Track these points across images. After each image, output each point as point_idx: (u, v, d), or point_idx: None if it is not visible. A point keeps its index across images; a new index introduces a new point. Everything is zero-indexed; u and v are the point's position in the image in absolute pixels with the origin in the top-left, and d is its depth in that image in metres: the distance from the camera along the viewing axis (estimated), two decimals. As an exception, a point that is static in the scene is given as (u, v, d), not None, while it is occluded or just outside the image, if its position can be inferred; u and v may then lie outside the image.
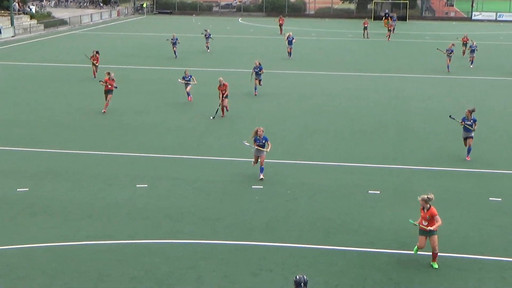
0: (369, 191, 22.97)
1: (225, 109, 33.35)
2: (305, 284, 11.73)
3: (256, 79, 39.10)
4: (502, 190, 23.20)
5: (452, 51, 48.08)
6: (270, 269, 17.16)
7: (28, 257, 17.57)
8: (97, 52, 44.69)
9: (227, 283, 16.40)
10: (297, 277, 11.91)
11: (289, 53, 55.60)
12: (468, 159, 25.75)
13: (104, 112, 33.89)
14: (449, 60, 48.25)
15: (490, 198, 22.27)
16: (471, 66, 49.01)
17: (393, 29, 73.73)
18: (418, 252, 16.93)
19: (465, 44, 55.42)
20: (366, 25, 73.85)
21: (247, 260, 17.58)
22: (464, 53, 55.31)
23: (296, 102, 38.37)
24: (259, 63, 39.20)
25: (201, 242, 18.67)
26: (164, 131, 31.38)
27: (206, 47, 61.90)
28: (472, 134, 25.19)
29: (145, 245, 18.45)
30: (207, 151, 27.66)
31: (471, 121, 24.95)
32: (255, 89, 39.52)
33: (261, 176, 23.35)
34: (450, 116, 27.38)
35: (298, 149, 27.90)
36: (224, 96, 32.59)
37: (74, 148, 27.91)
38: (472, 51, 49.22)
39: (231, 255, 17.96)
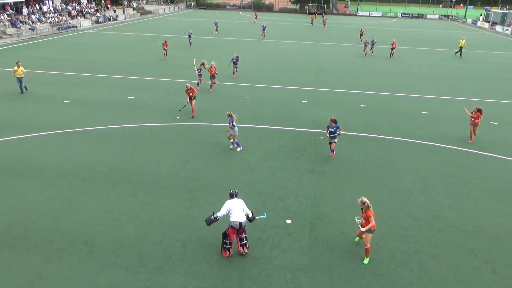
0: (302, 101, 22.95)
1: (194, 109, 19.67)
2: (236, 194, 9.97)
3: (234, 67, 28.02)
4: (367, 101, 23.26)
5: (367, 42, 39.43)
6: (252, 138, 17.37)
7: (132, 131, 17.65)
8: (165, 41, 33.67)
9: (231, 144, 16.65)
10: (231, 190, 10.01)
11: (263, 36, 48.22)
12: (334, 156, 15.68)
13: (211, 91, 24.15)
14: (365, 49, 39.30)
15: (360, 105, 22.37)
16: (372, 54, 39.33)
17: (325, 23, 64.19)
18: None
19: (362, 35, 47.45)
20: (313, 19, 69.32)
21: (240, 134, 17.74)
22: (361, 40, 46.46)
23: (267, 57, 37.51)
24: (237, 56, 28.11)
25: (218, 124, 18.76)
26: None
27: (215, 30, 51.62)
28: (336, 140, 15.41)
29: (192, 126, 18.52)
30: (220, 78, 27.32)
31: (335, 128, 15.03)
32: (233, 73, 28.22)
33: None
34: (314, 139, 16.86)
35: (267, 80, 27.58)
36: (192, 97, 19.16)
37: (154, 76, 27.45)
38: (373, 44, 39.13)
39: (233, 131, 18.11)
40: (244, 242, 10.08)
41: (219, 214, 9.73)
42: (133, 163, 14.61)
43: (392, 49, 38.89)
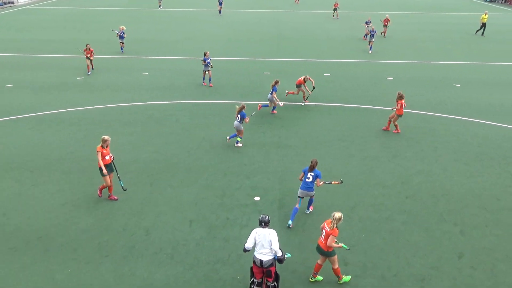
0: (264, 72, 22.72)
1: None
2: (265, 223, 7.89)
3: (206, 70, 20.08)
4: (331, 70, 23.21)
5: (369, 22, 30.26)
6: (214, 114, 17.09)
7: (84, 114, 16.93)
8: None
9: (192, 121, 16.33)
10: (261, 217, 7.97)
11: (220, 11, 41.56)
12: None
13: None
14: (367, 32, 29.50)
15: (324, 74, 22.35)
16: (370, 51, 33.83)
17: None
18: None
19: (335, 9, 39.96)
20: None
21: (202, 111, 17.43)
22: (335, 14, 40.10)
23: (225, 27, 36.64)
24: (208, 56, 19.91)
25: (177, 102, 18.32)
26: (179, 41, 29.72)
27: (159, 5, 45.03)
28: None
29: (149, 105, 17.99)
30: (179, 53, 26.55)
31: (312, 177, 10.33)
32: (207, 80, 20.59)
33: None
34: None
35: (226, 52, 27.00)
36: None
37: (104, 54, 26.30)
38: (372, 35, 26.96)
39: (194, 108, 17.72)
40: None
41: (246, 246, 7.94)
42: (86, 149, 14.03)
43: (385, 26, 31.83)
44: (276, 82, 16.35)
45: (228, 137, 14.36)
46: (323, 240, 8.35)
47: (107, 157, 10.79)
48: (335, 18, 40.12)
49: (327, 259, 8.57)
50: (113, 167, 11.05)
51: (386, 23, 31.86)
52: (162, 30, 33.52)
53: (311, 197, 10.74)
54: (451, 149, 14.40)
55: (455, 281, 8.86)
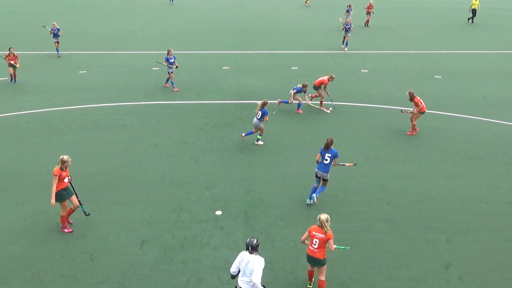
0: (223, 67, 22.83)
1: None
2: (253, 248, 7.77)
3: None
4: (299, 62, 23.59)
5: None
6: (166, 117, 17.04)
7: (11, 121, 16.50)
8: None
9: (142, 125, 16.27)
10: (248, 240, 7.87)
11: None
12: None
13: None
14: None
15: (291, 67, 22.68)
16: (345, 49, 34.49)
17: None
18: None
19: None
20: None
21: (153, 113, 17.35)
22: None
23: (178, 17, 36.57)
24: (173, 54, 19.42)
25: (123, 104, 18.15)
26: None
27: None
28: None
29: (88, 108, 17.71)
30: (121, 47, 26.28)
31: (329, 157, 11.48)
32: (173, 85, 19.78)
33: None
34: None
35: (179, 45, 26.93)
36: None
37: (37, 49, 25.68)
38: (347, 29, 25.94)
39: (143, 110, 17.63)
40: None
41: (230, 270, 8.00)
42: (15, 163, 13.70)
43: (368, 14, 32.34)
44: (304, 86, 17.07)
45: (243, 134, 14.94)
46: (317, 249, 8.57)
47: (65, 180, 10.44)
48: (306, 6, 40.83)
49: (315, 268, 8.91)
50: (72, 189, 10.74)
51: (369, 10, 32.11)
52: (101, 22, 33.08)
53: (325, 181, 11.68)
54: (434, 148, 14.93)
55: (442, 294, 9.21)
